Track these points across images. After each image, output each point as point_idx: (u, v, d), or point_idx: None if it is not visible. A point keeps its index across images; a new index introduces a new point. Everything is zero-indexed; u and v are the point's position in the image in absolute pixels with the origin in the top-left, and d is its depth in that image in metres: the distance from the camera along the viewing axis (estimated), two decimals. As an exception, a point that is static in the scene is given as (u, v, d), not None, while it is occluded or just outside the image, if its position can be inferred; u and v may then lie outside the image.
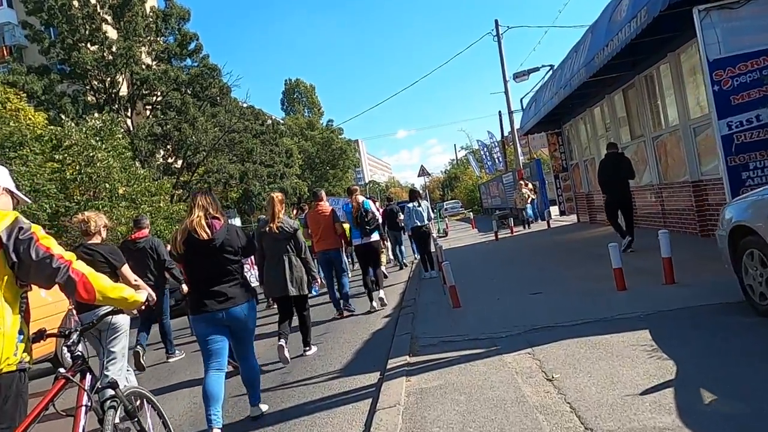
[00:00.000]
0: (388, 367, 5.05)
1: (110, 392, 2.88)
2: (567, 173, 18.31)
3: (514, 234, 18.17)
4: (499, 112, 39.01)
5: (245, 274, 4.63)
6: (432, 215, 12.30)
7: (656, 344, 4.28)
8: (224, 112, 31.65)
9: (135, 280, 4.99)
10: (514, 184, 27.86)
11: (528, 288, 7.70)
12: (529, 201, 19.55)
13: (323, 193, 9.06)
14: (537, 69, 20.25)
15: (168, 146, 28.47)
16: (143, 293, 2.94)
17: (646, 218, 12.16)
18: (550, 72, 18.11)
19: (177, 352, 8.00)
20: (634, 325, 4.86)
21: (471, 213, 37.39)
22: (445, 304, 7.63)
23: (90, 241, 5.30)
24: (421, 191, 14.51)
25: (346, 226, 9.01)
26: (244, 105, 40.22)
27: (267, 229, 6.18)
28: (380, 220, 9.24)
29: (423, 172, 28.79)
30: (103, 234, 5.49)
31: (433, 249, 11.20)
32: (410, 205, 11.35)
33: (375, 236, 8.80)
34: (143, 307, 2.95)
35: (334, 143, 53.75)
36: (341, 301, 8.67)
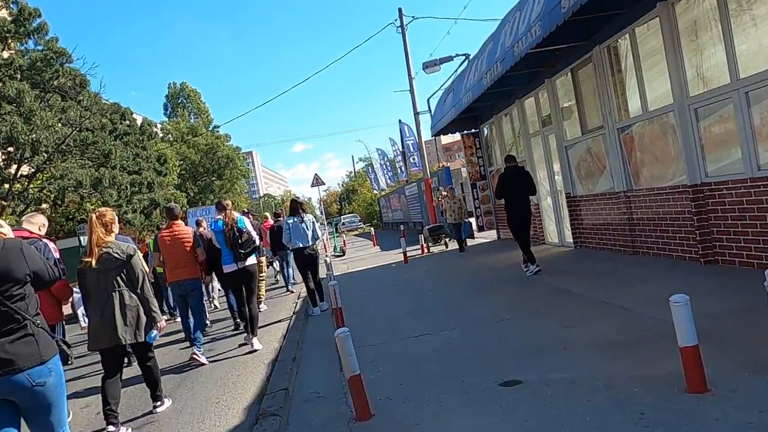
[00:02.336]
0: None
1: None
2: (485, 182, 15.58)
3: (426, 254, 15.07)
4: (399, 120, 36.29)
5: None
6: (319, 233, 9.21)
7: None
8: (77, 108, 26.07)
9: None
10: (419, 196, 25.09)
11: (489, 367, 4.37)
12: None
13: (179, 210, 7.60)
14: (450, 58, 17.43)
15: (-1, 146, 22.51)
16: None
17: (598, 235, 9.44)
18: (466, 62, 15.35)
19: None
20: None
21: (371, 228, 34.17)
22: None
23: None
24: (305, 202, 10.97)
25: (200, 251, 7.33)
26: (108, 102, 34.49)
27: (84, 263, 4.72)
28: (257, 242, 7.35)
29: (317, 181, 25.12)
30: None
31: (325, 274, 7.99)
32: (290, 220, 8.78)
33: (252, 260, 7.24)
34: None
35: (220, 150, 48.46)
36: (198, 340, 7.02)
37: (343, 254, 20.91)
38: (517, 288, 7.67)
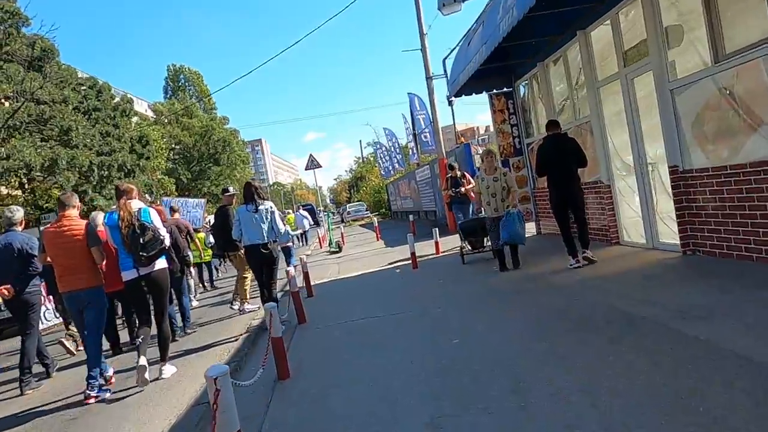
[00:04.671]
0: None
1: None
2: (520, 159, 11.73)
3: (441, 254, 11.26)
4: (408, 93, 32.24)
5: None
6: (280, 227, 7.12)
7: None
8: (38, 79, 22.45)
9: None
10: (431, 181, 21.23)
11: None
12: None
13: (73, 199, 5.73)
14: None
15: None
16: None
17: (732, 235, 5.61)
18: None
19: None
20: None
21: (377, 217, 30.37)
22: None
23: None
24: (260, 186, 7.38)
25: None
26: (83, 76, 30.92)
27: None
28: (166, 242, 5.57)
29: (312, 162, 21.35)
30: None
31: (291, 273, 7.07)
32: (241, 209, 7.10)
33: (160, 264, 5.61)
34: None
35: (216, 133, 44.58)
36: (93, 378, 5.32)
37: (340, 250, 17.16)
38: (618, 333, 3.88)
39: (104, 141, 24.83)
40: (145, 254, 5.34)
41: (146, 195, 30.88)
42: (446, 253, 11.18)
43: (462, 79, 10.47)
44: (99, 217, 6.97)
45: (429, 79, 16.94)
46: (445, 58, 17.66)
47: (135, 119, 35.46)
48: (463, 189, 11.00)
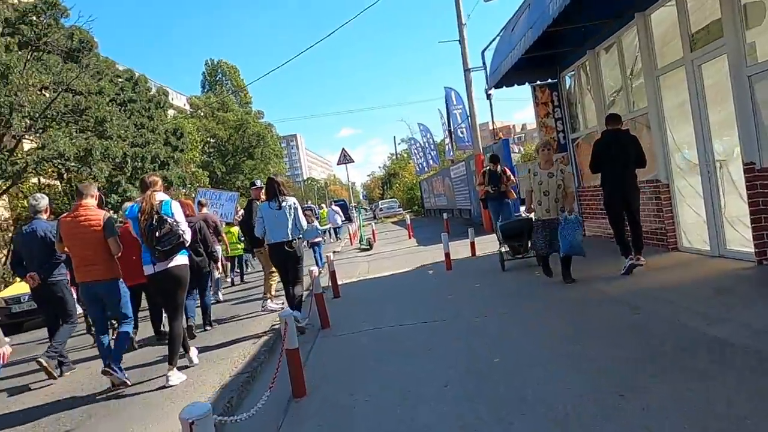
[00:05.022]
0: None
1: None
2: (565, 155, 10.94)
3: (478, 255, 10.58)
4: (445, 87, 31.40)
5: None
6: (304, 223, 6.78)
7: None
8: (76, 70, 22.58)
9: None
10: (467, 178, 20.47)
11: None
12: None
13: (92, 189, 5.62)
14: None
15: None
16: None
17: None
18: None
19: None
20: None
21: (409, 215, 29.75)
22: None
23: None
24: (284, 182, 6.99)
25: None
26: (121, 68, 31.22)
27: None
28: (186, 237, 5.22)
29: (344, 157, 20.89)
30: None
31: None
32: (264, 206, 6.73)
33: (179, 260, 5.28)
34: None
35: (251, 127, 44.54)
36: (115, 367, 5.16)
37: (370, 248, 16.62)
38: (700, 361, 3.20)
39: (138, 132, 24.86)
40: (160, 248, 5.05)
41: (180, 188, 31.01)
42: (482, 255, 10.50)
43: (504, 68, 9.75)
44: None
45: (467, 71, 16.21)
46: (484, 49, 16.89)
47: (171, 112, 35.72)
48: (502, 186, 10.23)
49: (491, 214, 10.71)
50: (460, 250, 11.17)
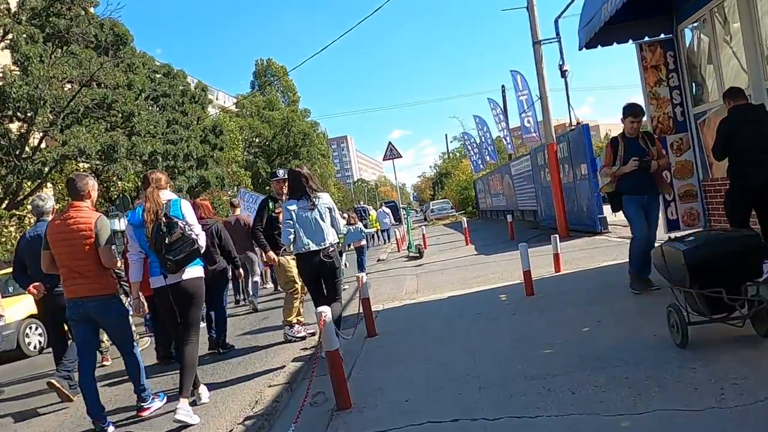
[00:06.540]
0: None
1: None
2: (683, 136, 8.09)
3: (566, 272, 7.86)
4: (502, 86, 28.50)
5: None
6: (342, 227, 5.59)
7: None
8: (107, 62, 21.17)
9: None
10: (532, 175, 17.56)
11: None
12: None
13: (89, 184, 4.73)
14: None
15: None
16: None
17: None
18: None
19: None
20: None
21: (464, 217, 27.00)
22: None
23: None
24: (310, 175, 5.14)
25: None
26: (158, 63, 29.94)
27: None
28: (201, 242, 4.51)
29: (392, 152, 18.49)
30: None
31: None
32: (291, 206, 5.34)
33: (193, 272, 4.55)
34: None
35: (296, 126, 42.81)
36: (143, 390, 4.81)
37: (420, 256, 14.08)
38: None
39: (170, 129, 23.24)
40: (171, 257, 4.28)
41: (219, 188, 29.45)
42: (571, 272, 7.80)
43: (602, 17, 7.03)
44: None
45: (536, 44, 13.42)
46: (558, 17, 14.10)
47: (212, 111, 34.33)
48: (654, 162, 5.77)
49: (629, 215, 5.86)
50: (536, 262, 8.45)
